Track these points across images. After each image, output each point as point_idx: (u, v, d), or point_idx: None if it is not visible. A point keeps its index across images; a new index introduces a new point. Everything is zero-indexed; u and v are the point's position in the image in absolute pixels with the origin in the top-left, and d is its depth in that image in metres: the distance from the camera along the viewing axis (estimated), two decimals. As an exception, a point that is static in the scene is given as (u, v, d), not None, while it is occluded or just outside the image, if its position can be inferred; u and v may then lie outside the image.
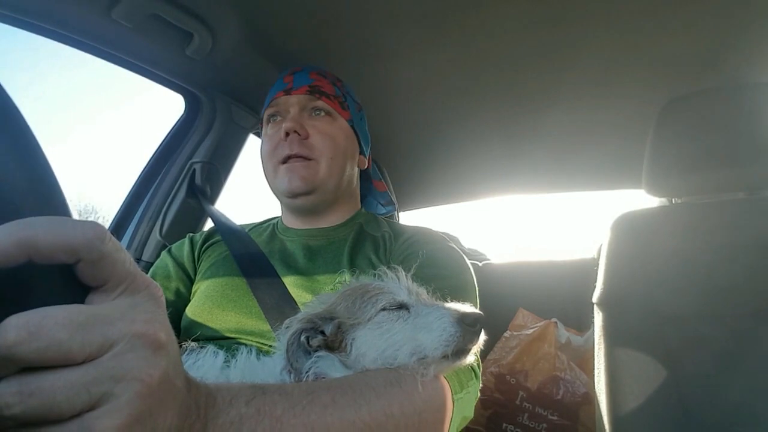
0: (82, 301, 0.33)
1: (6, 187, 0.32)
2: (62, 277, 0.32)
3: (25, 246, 0.29)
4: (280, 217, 1.15)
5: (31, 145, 0.36)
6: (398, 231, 1.04)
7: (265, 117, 1.09)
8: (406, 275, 0.71)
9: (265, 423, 0.44)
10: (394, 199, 1.30)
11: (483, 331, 0.63)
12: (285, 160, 1.01)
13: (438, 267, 0.88)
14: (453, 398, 0.66)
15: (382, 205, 1.29)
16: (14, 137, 0.35)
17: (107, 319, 0.31)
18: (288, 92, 1.04)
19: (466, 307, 0.63)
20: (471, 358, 0.64)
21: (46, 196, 0.35)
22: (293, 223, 1.10)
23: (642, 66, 1.41)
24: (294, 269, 0.96)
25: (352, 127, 1.09)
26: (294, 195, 1.01)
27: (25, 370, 0.29)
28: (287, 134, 1.00)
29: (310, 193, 1.01)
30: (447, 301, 0.68)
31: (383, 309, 0.64)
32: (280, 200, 1.10)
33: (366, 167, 1.18)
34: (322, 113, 1.04)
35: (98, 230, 0.32)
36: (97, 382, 0.30)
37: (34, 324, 0.28)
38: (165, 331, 0.34)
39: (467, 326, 0.60)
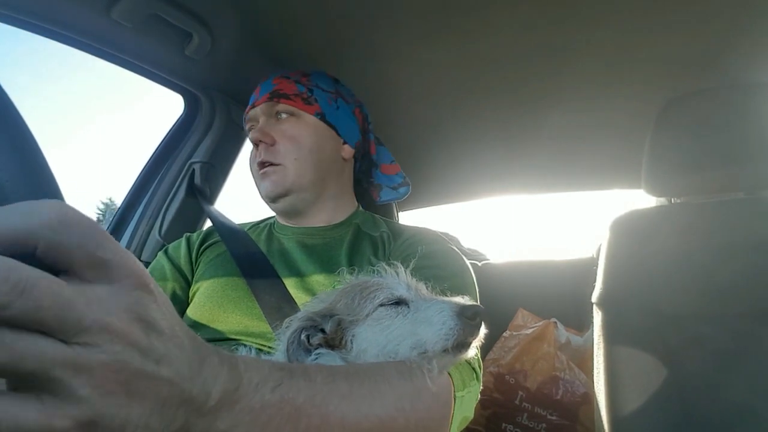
0: None
1: (5, 190, 0.32)
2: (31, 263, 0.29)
3: None
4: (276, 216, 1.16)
5: (31, 148, 0.36)
6: (397, 231, 1.03)
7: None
8: (405, 270, 0.71)
9: (284, 412, 0.43)
10: (407, 179, 1.22)
11: (483, 324, 0.62)
12: (260, 167, 1.04)
13: (438, 267, 0.88)
14: (455, 395, 0.66)
15: (394, 188, 1.20)
16: (13, 140, 0.35)
17: (85, 303, 0.29)
18: (254, 105, 1.08)
19: (466, 300, 0.63)
20: (472, 352, 0.64)
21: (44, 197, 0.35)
22: (287, 222, 1.11)
23: (642, 66, 1.41)
24: (293, 269, 0.95)
25: (324, 119, 1.06)
26: (271, 199, 1.05)
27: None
28: (257, 144, 1.04)
29: (286, 194, 1.03)
30: (446, 296, 0.67)
31: (382, 305, 0.64)
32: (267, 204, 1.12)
33: (355, 155, 1.12)
34: (285, 115, 1.05)
35: (57, 213, 0.29)
36: (62, 365, 0.28)
37: (18, 278, 0.27)
38: (143, 324, 0.32)
39: (467, 319, 0.60)
